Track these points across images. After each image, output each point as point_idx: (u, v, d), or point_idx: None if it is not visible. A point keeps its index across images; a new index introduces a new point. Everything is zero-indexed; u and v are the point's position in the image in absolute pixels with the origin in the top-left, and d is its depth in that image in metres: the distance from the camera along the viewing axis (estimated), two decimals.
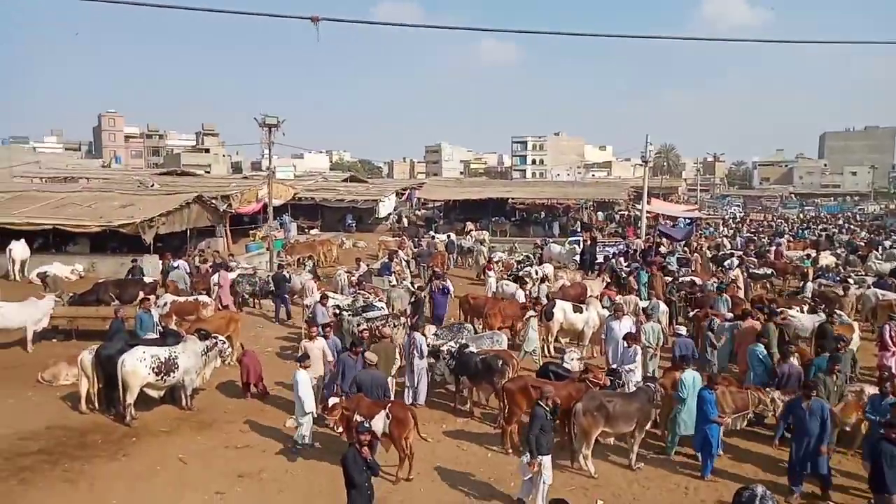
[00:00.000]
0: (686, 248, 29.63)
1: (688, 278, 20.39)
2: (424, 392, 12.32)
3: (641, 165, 39.57)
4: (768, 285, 22.39)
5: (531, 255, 27.02)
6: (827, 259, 26.34)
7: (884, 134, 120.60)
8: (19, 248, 21.88)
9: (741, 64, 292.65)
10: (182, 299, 16.90)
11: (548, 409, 8.63)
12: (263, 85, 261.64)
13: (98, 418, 11.45)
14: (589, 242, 29.13)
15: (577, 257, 27.71)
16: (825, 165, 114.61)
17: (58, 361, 13.35)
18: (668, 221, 40.68)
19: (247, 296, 20.09)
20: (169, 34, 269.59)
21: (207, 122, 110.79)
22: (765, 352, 11.80)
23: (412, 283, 19.65)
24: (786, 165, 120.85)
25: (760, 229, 46.83)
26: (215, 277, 19.36)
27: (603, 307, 16.13)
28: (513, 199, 44.15)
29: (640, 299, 17.61)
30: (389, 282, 20.58)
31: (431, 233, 35.42)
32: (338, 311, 15.02)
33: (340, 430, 9.39)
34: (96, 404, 11.62)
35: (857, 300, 18.53)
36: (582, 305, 16.26)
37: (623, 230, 40.28)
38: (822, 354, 11.96)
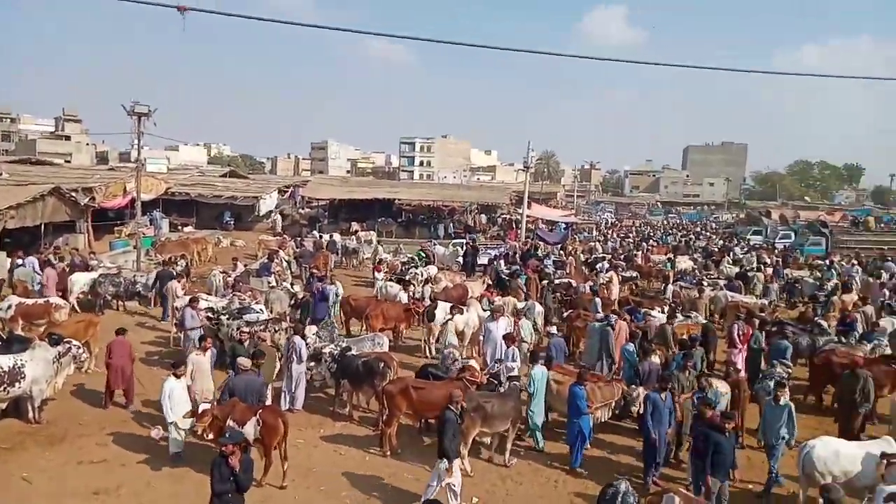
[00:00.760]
0: (562, 252, 31.05)
1: (564, 280, 21.35)
2: (302, 397, 12.02)
3: (523, 171, 41.08)
4: (633, 287, 23.90)
5: (416, 257, 27.16)
6: (685, 263, 28.56)
7: (738, 149, 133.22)
8: None
9: (619, 78, 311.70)
10: (31, 301, 15.38)
11: (457, 412, 8.70)
12: (137, 71, 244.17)
13: None
14: (470, 245, 29.77)
15: (460, 259, 28.25)
16: (687, 176, 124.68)
17: None
18: (546, 226, 42.46)
19: (109, 297, 18.64)
20: (29, 4, 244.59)
21: (69, 106, 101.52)
22: (632, 349, 12.60)
23: (292, 285, 19.09)
24: (653, 175, 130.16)
25: (629, 234, 49.99)
26: (51, 274, 17.80)
27: (483, 309, 16.51)
28: (399, 200, 44.23)
29: (519, 301, 18.21)
30: (269, 283, 19.88)
31: (315, 232, 34.67)
32: (211, 315, 14.30)
33: (210, 437, 8.92)
34: None
35: (709, 301, 20.23)
36: (463, 307, 16.53)
37: (505, 233, 41.58)
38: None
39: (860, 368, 10.93)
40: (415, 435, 11.15)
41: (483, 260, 27.60)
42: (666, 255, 31.43)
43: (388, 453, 10.28)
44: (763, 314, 16.67)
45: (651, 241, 43.17)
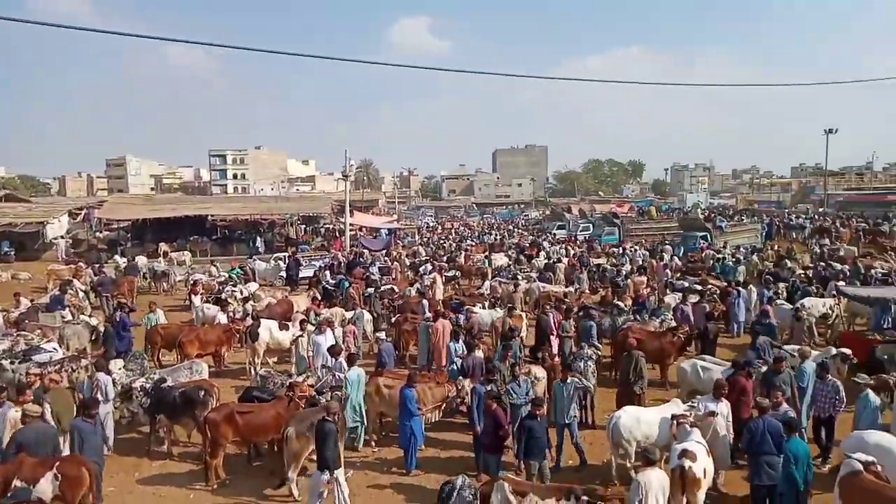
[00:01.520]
0: (387, 258, 31.39)
1: (388, 287, 21.56)
2: (111, 439, 10.85)
3: (343, 179, 40.89)
4: (457, 286, 24.86)
5: (234, 275, 25.78)
6: (500, 260, 30.32)
7: (540, 151, 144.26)
8: None
9: (428, 86, 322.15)
10: None
11: (335, 423, 8.53)
12: None
13: None
14: (291, 257, 28.98)
15: (283, 273, 27.39)
16: (498, 178, 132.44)
17: None
18: (370, 233, 42.66)
19: None
20: None
21: None
22: (455, 346, 13.08)
23: (91, 317, 17.17)
24: (468, 179, 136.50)
25: (450, 236, 51.91)
26: None
27: (311, 322, 16.11)
28: (213, 215, 41.72)
29: (347, 311, 18.07)
30: (63, 317, 17.69)
31: (117, 257, 31.51)
32: None
33: None
34: None
35: (524, 293, 21.65)
36: (289, 323, 16.03)
37: (329, 243, 41.03)
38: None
39: (633, 350, 11.60)
40: (243, 463, 10.58)
41: (307, 272, 26.97)
42: (483, 253, 33.09)
43: (216, 486, 9.64)
44: (568, 301, 18.22)
45: (469, 240, 45.16)
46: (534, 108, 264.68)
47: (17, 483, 7.37)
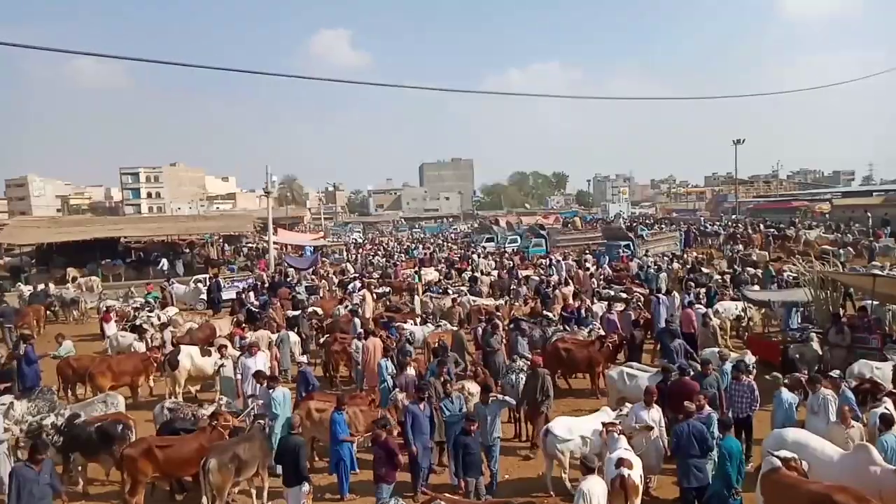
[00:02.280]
0: (314, 277, 30.75)
1: (312, 309, 20.96)
2: (7, 483, 9.94)
3: (265, 196, 39.90)
4: (388, 302, 24.59)
5: (152, 299, 24.54)
6: (430, 274, 30.30)
7: (465, 164, 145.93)
8: None
9: (348, 100, 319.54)
10: None
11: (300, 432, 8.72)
12: None
13: None
14: (213, 279, 27.92)
15: (204, 296, 26.31)
16: (425, 192, 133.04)
17: None
18: (295, 251, 41.73)
19: None
20: None
21: None
22: (385, 364, 12.89)
23: None
24: (395, 193, 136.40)
25: (378, 252, 51.53)
26: None
27: (235, 347, 15.48)
28: (126, 237, 39.78)
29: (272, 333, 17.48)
30: None
31: (20, 284, 29.42)
32: None
33: None
34: None
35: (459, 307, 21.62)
36: (211, 349, 15.33)
37: (253, 263, 39.84)
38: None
39: (539, 367, 11.41)
40: (166, 498, 9.97)
41: (230, 294, 25.99)
42: (413, 268, 32.97)
43: None
44: (499, 313, 18.35)
45: (398, 255, 44.97)
46: (459, 122, 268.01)
47: None
